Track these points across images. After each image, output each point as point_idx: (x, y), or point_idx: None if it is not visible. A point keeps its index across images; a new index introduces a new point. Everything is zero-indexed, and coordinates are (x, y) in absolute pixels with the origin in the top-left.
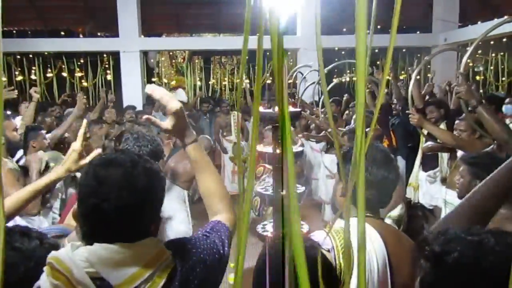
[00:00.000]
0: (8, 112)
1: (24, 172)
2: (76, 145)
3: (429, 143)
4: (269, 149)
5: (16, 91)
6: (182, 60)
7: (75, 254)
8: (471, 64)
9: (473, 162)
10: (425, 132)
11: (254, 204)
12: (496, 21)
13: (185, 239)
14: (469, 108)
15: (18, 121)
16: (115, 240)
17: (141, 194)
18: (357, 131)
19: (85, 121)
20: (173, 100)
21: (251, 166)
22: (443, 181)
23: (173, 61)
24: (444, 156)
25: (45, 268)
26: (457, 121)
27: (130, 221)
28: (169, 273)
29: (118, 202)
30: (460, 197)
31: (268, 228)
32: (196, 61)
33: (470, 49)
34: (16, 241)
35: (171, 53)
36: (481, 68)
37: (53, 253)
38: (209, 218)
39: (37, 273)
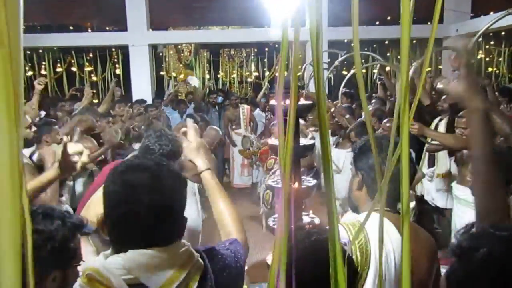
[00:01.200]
0: None
1: (37, 168)
2: (84, 159)
3: (434, 142)
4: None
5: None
6: (188, 54)
7: (109, 263)
8: (483, 56)
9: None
10: (429, 139)
11: (266, 198)
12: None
13: (210, 246)
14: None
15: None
16: (149, 245)
17: (170, 197)
18: (403, 118)
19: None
20: (194, 136)
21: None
22: (437, 176)
23: (181, 54)
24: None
25: (81, 279)
26: (457, 119)
27: (163, 225)
28: (200, 276)
29: (150, 206)
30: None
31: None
32: (204, 54)
33: (471, 43)
34: (38, 224)
35: (177, 47)
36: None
37: (88, 264)
38: (221, 237)
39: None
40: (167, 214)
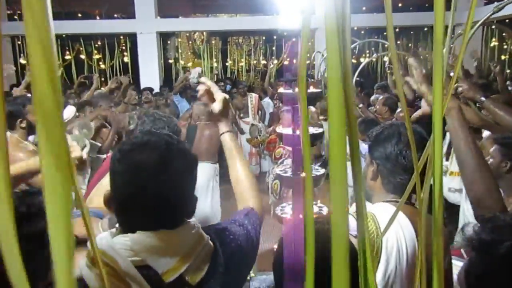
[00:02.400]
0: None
1: None
2: (76, 154)
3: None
4: (288, 130)
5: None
6: (200, 42)
7: (115, 243)
8: (496, 43)
9: (505, 142)
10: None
11: (274, 187)
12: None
13: (223, 225)
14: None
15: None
16: (158, 227)
17: (180, 176)
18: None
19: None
20: (219, 91)
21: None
22: (450, 174)
23: (190, 42)
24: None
25: (86, 259)
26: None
27: (172, 206)
28: (211, 259)
29: (159, 187)
30: None
31: (287, 210)
32: (213, 42)
33: (472, 32)
34: (23, 202)
35: (187, 35)
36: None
37: (98, 243)
38: (238, 204)
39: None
40: (176, 194)
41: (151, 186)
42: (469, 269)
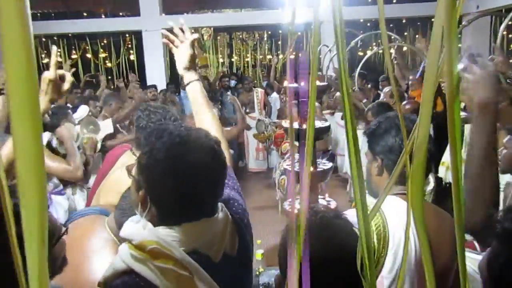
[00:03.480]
0: None
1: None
2: (50, 74)
3: (463, 113)
4: (295, 124)
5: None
6: (208, 37)
7: (163, 235)
8: (505, 33)
9: None
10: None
11: (281, 183)
12: None
13: (226, 196)
14: (507, 80)
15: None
16: (200, 217)
17: (218, 172)
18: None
19: (55, 47)
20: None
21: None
22: None
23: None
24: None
25: (133, 251)
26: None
27: (212, 195)
28: (237, 232)
29: (200, 177)
30: (502, 170)
31: (295, 205)
32: (218, 37)
33: (509, 17)
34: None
35: (192, 31)
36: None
37: (139, 237)
38: None
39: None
40: (215, 188)
41: (192, 178)
42: (492, 258)
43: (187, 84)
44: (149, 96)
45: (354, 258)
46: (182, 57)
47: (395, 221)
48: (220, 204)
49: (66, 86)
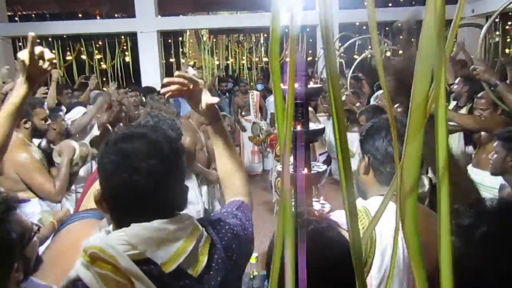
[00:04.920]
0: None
1: (46, 156)
2: (23, 55)
3: (450, 123)
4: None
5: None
6: (208, 39)
7: (111, 240)
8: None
9: (508, 136)
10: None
11: (277, 185)
12: None
13: (217, 216)
14: (491, 88)
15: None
16: (151, 218)
17: (168, 162)
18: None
19: (31, 34)
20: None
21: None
22: None
23: (197, 39)
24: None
25: (82, 258)
26: (476, 99)
27: (162, 193)
28: (209, 250)
29: (148, 172)
30: (493, 173)
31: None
32: (214, 40)
33: (486, 24)
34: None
35: (188, 33)
36: (496, 39)
37: (88, 242)
38: (226, 196)
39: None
40: (166, 180)
41: (140, 171)
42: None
43: (209, 124)
44: (131, 101)
45: (346, 271)
46: (202, 103)
47: (382, 221)
48: (187, 214)
49: (46, 65)
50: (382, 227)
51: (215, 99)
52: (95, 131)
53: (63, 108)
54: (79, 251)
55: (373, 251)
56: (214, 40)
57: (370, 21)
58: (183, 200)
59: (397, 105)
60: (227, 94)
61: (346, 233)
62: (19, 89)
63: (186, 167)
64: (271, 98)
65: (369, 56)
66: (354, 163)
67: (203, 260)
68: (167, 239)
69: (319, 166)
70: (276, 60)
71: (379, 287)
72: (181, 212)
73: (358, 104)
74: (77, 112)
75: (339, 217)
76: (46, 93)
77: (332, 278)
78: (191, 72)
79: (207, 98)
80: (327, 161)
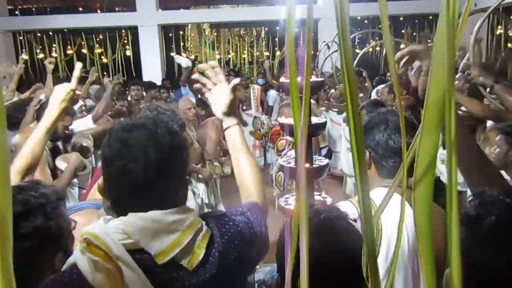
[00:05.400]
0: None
1: (52, 151)
2: (72, 85)
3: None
4: (290, 121)
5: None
6: (209, 33)
7: (109, 228)
8: (502, 31)
9: (511, 131)
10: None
11: (278, 179)
12: None
13: (221, 212)
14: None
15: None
16: (149, 208)
17: (167, 153)
18: None
19: (80, 64)
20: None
21: None
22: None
23: (198, 34)
24: None
25: (79, 244)
26: (487, 89)
27: (160, 183)
28: (207, 244)
29: (145, 161)
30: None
31: (290, 201)
32: (215, 33)
33: (480, 21)
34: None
35: (188, 26)
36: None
37: (87, 228)
38: (242, 198)
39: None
40: (163, 170)
41: (138, 160)
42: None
43: (226, 128)
44: (133, 95)
45: (357, 260)
46: (221, 102)
47: (386, 210)
48: (188, 207)
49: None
50: (386, 217)
51: (236, 80)
52: (89, 123)
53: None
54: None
55: (379, 240)
56: (215, 34)
57: (381, 14)
58: (183, 193)
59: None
60: None
61: (353, 223)
62: (52, 114)
63: (188, 160)
64: (270, 92)
65: (371, 49)
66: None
67: (200, 253)
68: (163, 230)
69: (321, 160)
70: (292, 53)
71: (385, 275)
72: (182, 205)
73: (361, 95)
74: (84, 123)
75: (345, 207)
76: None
77: (344, 263)
78: (235, 80)
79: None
80: (328, 155)
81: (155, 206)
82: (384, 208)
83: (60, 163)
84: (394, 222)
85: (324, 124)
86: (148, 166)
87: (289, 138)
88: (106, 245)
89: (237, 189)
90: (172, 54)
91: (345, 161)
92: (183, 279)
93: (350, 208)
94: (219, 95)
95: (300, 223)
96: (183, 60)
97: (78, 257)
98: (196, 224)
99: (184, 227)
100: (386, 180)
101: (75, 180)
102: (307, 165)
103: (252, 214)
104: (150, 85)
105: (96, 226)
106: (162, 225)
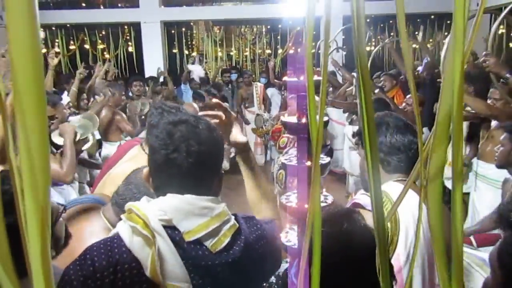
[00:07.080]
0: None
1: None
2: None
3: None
4: (293, 118)
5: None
6: (218, 31)
7: (151, 204)
8: (504, 31)
9: None
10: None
11: (279, 177)
12: None
13: (251, 215)
14: (502, 80)
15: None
16: (186, 192)
17: (205, 146)
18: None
19: (103, 64)
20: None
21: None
22: (448, 165)
23: (208, 32)
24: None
25: (123, 215)
26: (491, 89)
27: (197, 172)
28: (233, 234)
29: (187, 152)
30: (498, 166)
31: (292, 199)
32: (218, 31)
33: (501, 16)
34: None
35: (192, 23)
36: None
37: (131, 202)
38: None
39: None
40: (203, 163)
41: (181, 150)
42: (503, 248)
43: (238, 153)
44: (134, 90)
45: (368, 256)
46: (234, 134)
47: (402, 203)
48: (220, 200)
49: None
50: (401, 208)
51: (244, 139)
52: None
53: (63, 96)
54: (80, 233)
55: (397, 230)
56: (222, 31)
57: (398, 12)
58: (217, 186)
59: (408, 97)
60: (229, 86)
61: (370, 213)
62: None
63: (223, 155)
64: (270, 90)
65: (372, 48)
66: (356, 155)
67: (224, 240)
68: (194, 213)
69: (322, 158)
70: (310, 50)
71: (406, 262)
72: (215, 197)
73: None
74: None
75: (364, 200)
76: None
77: (356, 253)
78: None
79: (236, 135)
80: (329, 153)
81: (191, 191)
82: (401, 200)
83: (56, 138)
84: (408, 212)
85: (327, 123)
86: (188, 156)
87: (291, 136)
88: (145, 216)
89: (235, 185)
90: (174, 50)
91: (347, 160)
92: (206, 258)
93: (367, 200)
94: (234, 130)
95: (311, 218)
96: (197, 68)
97: (120, 225)
98: (224, 215)
99: (213, 214)
100: (394, 175)
101: (76, 175)
102: (309, 163)
103: (272, 227)
104: (152, 79)
105: (141, 202)
106: (194, 208)
